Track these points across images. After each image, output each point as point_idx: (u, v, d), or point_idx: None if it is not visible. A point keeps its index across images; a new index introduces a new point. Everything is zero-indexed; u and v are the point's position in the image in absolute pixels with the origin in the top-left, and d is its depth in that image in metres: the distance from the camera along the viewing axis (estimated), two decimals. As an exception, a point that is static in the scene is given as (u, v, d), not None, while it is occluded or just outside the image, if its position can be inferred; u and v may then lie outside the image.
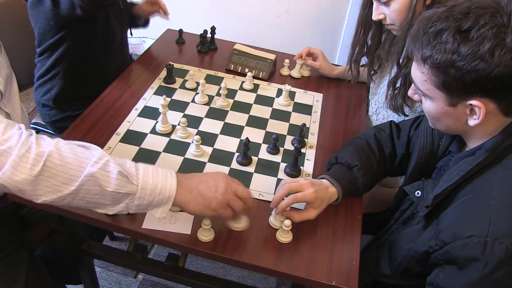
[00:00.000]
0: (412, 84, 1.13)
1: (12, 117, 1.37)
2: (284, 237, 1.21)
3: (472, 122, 1.04)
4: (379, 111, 1.75)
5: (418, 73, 1.06)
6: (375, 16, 1.53)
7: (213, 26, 2.04)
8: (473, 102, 1.00)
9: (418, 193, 1.19)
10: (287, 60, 1.96)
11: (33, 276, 1.44)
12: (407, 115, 1.58)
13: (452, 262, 1.02)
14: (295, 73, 1.96)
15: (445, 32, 0.98)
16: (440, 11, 1.02)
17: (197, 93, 1.72)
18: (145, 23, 2.17)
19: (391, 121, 1.49)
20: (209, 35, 2.06)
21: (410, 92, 1.17)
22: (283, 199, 1.23)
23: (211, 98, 1.73)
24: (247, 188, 1.17)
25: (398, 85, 1.56)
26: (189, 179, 1.08)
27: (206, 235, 1.19)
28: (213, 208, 1.08)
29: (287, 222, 1.19)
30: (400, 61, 1.53)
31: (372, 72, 1.78)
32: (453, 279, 1.02)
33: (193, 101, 1.70)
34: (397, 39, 1.54)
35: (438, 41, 0.99)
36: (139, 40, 3.39)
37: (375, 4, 1.52)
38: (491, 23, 0.94)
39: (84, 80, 1.93)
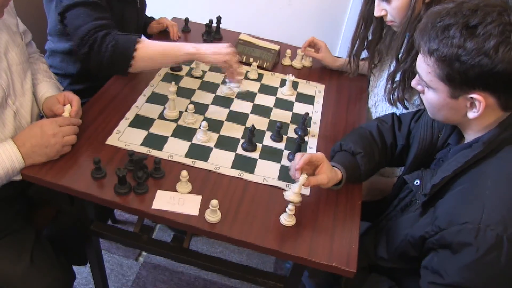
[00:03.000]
0: (416, 75, 1.18)
1: (19, 114, 1.41)
2: (288, 220, 1.26)
3: (471, 114, 1.09)
4: (378, 103, 1.80)
5: (424, 65, 1.11)
6: (377, 13, 1.58)
7: (219, 16, 2.08)
8: (474, 95, 1.05)
9: (417, 182, 1.24)
10: (288, 51, 2.01)
11: (38, 254, 1.48)
12: (407, 108, 1.63)
13: (447, 247, 1.07)
14: (296, 63, 2.01)
15: (453, 27, 1.03)
16: (449, 6, 1.07)
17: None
18: None
19: (393, 113, 1.54)
20: (214, 24, 2.10)
21: (413, 83, 1.22)
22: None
23: (216, 86, 1.78)
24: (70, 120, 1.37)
25: (397, 79, 1.61)
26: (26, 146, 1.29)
27: (213, 216, 1.24)
28: (52, 145, 1.31)
29: (291, 207, 1.24)
30: (399, 56, 1.58)
31: (373, 65, 1.82)
32: (446, 262, 1.08)
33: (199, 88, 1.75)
34: (397, 35, 1.58)
35: (445, 36, 1.03)
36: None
37: (377, 1, 1.57)
38: (498, 21, 0.99)
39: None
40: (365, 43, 1.79)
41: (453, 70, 1.04)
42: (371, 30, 1.74)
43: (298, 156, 1.27)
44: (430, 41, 1.07)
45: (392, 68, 1.64)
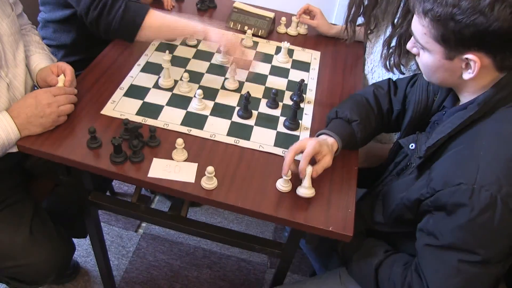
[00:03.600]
0: (412, 37, 1.17)
1: (13, 85, 1.40)
2: (284, 186, 1.27)
3: (466, 75, 1.08)
4: (375, 69, 1.79)
5: (419, 26, 1.10)
6: None
7: (213, -17, 2.05)
8: (469, 56, 1.04)
9: (412, 145, 1.25)
10: (283, 18, 1.98)
11: (37, 226, 1.50)
12: (403, 73, 1.62)
13: (441, 209, 1.08)
14: (291, 31, 1.99)
15: None
16: None
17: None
18: None
19: (389, 78, 1.53)
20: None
21: (408, 45, 1.21)
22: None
23: (211, 54, 1.77)
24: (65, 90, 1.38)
25: (393, 44, 1.59)
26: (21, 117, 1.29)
27: (209, 183, 1.24)
28: (47, 115, 1.30)
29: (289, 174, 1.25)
30: (395, 21, 1.56)
31: (369, 31, 1.80)
32: (441, 224, 1.08)
33: (194, 56, 1.74)
34: (394, 5, 1.56)
35: None
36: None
37: None
38: None
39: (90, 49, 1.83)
40: (362, 9, 1.76)
41: (448, 30, 1.03)
42: None
43: (287, 158, 1.25)
44: (424, 1, 1.06)
45: (388, 33, 1.63)
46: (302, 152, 1.26)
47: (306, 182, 1.24)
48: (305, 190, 1.24)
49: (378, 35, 1.79)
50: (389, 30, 1.62)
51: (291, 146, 1.27)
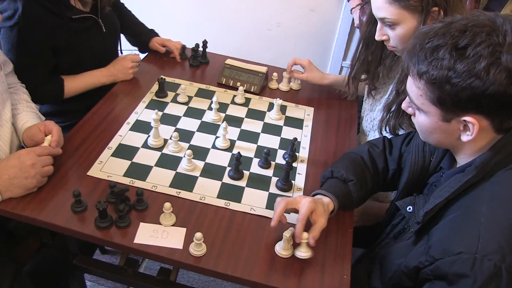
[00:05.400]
0: (407, 97, 1.14)
1: None
2: (285, 251, 1.23)
3: (465, 138, 1.05)
4: (375, 128, 1.73)
5: (414, 87, 1.08)
6: (378, 37, 1.50)
7: (205, 40, 2.05)
8: (467, 118, 1.01)
9: (409, 208, 1.20)
10: (275, 74, 1.97)
11: None
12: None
13: (442, 278, 1.02)
14: (283, 86, 1.97)
15: (442, 49, 0.99)
16: (437, 27, 1.04)
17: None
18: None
19: (384, 136, 1.50)
20: (200, 48, 2.07)
21: (404, 105, 1.18)
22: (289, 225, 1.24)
23: (202, 112, 1.74)
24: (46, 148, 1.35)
25: (392, 109, 1.54)
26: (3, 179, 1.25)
27: (198, 249, 1.19)
28: (32, 176, 1.26)
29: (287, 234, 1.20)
30: (401, 88, 1.51)
31: (372, 88, 1.76)
32: (443, 294, 1.03)
33: (185, 114, 1.71)
34: (399, 65, 1.54)
35: (434, 57, 1.00)
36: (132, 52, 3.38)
37: (379, 25, 1.49)
38: (487, 42, 0.96)
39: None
40: (366, 66, 1.73)
41: (444, 92, 1.01)
42: (371, 52, 1.68)
43: (278, 210, 1.22)
44: (419, 63, 1.04)
45: (389, 92, 1.59)
46: (294, 209, 1.22)
47: (303, 247, 1.21)
48: (303, 253, 1.21)
49: (380, 94, 1.75)
50: (390, 89, 1.59)
51: (284, 198, 1.24)
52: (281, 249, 1.23)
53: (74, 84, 1.81)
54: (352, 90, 1.80)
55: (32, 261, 1.67)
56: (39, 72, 1.73)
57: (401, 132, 1.54)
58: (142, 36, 2.14)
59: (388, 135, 1.57)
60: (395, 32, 1.45)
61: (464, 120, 1.02)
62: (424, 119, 1.10)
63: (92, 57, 1.87)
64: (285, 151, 1.58)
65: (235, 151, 1.55)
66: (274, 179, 1.46)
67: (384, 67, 1.69)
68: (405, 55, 1.09)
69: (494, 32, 0.97)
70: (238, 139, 1.62)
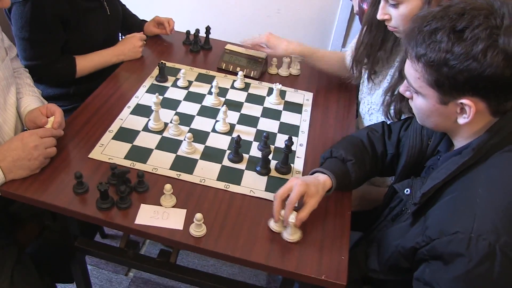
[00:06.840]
0: (405, 81, 1.15)
1: (2, 130, 1.39)
2: (277, 225, 1.25)
3: (461, 120, 1.07)
4: (372, 112, 1.74)
5: (412, 70, 1.09)
6: (380, 16, 1.49)
7: (208, 26, 2.05)
8: (464, 101, 1.02)
9: (407, 191, 1.22)
10: (274, 59, 1.98)
11: (19, 273, 1.44)
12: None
13: (438, 258, 1.04)
14: (283, 71, 1.98)
15: (440, 32, 1.00)
16: (435, 10, 1.05)
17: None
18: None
19: (383, 121, 1.52)
20: (203, 35, 2.07)
21: (401, 89, 1.19)
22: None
23: (202, 96, 1.75)
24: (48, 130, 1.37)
25: (396, 92, 1.54)
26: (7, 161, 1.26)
27: (198, 230, 1.20)
28: (35, 158, 1.28)
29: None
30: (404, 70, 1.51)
31: (373, 72, 1.76)
32: (438, 274, 1.04)
33: (185, 99, 1.72)
34: (401, 49, 1.54)
35: (432, 40, 1.01)
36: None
37: (382, 3, 1.47)
38: (485, 24, 0.97)
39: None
40: (369, 49, 1.72)
41: (441, 75, 1.02)
42: (373, 36, 1.66)
43: (275, 207, 1.24)
44: (417, 46, 1.05)
45: (389, 77, 1.60)
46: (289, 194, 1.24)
47: (290, 230, 1.22)
48: (289, 236, 1.23)
49: (380, 78, 1.75)
50: (390, 73, 1.60)
51: (277, 191, 1.25)
52: (275, 225, 1.25)
53: (86, 62, 1.85)
54: (356, 74, 1.79)
55: (34, 244, 1.69)
56: (53, 47, 1.78)
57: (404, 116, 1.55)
58: (134, 27, 2.16)
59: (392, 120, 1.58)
60: (398, 11, 1.43)
61: (461, 103, 1.03)
62: (422, 102, 1.11)
63: (96, 38, 1.90)
64: (284, 135, 1.60)
65: (234, 135, 1.56)
66: (274, 162, 1.47)
67: (384, 51, 1.69)
68: (403, 38, 1.10)
69: (492, 15, 0.98)
70: (237, 123, 1.64)
